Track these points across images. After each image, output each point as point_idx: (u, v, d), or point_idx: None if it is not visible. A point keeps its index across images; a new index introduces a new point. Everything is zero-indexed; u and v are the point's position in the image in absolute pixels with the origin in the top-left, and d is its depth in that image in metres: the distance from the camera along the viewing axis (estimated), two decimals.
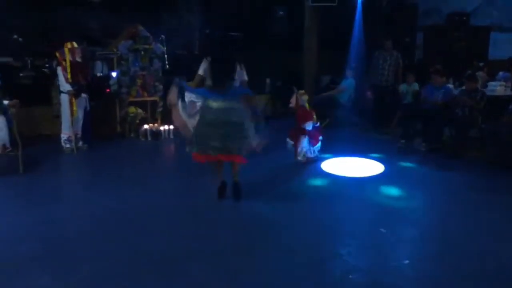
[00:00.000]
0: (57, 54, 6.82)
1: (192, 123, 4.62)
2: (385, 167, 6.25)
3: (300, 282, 3.20)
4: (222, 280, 3.24)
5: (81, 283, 3.17)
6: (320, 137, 6.54)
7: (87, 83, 7.06)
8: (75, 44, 6.81)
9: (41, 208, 4.62)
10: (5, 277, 3.25)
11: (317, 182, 5.65)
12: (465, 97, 6.81)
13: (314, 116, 6.47)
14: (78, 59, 6.83)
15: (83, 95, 6.98)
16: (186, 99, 4.58)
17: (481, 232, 4.13)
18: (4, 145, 6.04)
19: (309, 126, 6.36)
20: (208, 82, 4.63)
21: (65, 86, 6.77)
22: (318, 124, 6.58)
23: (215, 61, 4.63)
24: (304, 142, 6.38)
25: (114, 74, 8.25)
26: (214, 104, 4.54)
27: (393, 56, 8.76)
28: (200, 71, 4.65)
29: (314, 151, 6.50)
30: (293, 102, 6.43)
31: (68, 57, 6.69)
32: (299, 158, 6.38)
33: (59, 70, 6.80)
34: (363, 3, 10.47)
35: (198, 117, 4.59)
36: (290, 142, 6.41)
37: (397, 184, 5.54)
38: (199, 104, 4.60)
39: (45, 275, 3.27)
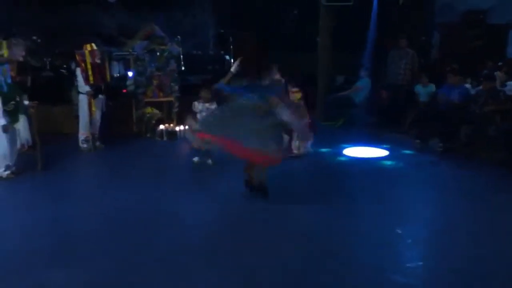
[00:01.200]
0: (77, 56, 6.91)
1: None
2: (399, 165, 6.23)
3: (312, 277, 3.22)
4: (235, 277, 3.28)
5: (96, 277, 3.25)
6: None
7: (105, 85, 7.16)
8: (94, 46, 6.91)
9: (58, 205, 4.72)
10: (23, 269, 3.36)
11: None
12: (489, 99, 6.70)
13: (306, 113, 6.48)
14: (97, 61, 6.93)
15: (101, 96, 7.08)
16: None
17: (495, 233, 4.09)
18: (26, 144, 6.20)
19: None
20: None
21: (83, 87, 6.88)
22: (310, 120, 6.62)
23: None
24: (295, 137, 6.48)
25: (130, 74, 8.34)
26: None
27: (408, 54, 8.69)
28: None
29: (306, 146, 6.68)
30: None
31: (88, 59, 6.78)
32: (295, 151, 6.55)
33: (78, 71, 6.90)
34: (379, 2, 10.42)
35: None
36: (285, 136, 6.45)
37: (412, 184, 5.54)
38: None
39: (62, 269, 3.36)
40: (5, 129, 5.49)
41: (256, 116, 4.57)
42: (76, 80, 6.99)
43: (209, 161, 6.19)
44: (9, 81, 5.75)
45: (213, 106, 6.03)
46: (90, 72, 6.79)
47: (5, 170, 5.63)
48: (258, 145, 4.48)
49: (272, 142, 4.54)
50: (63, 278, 3.24)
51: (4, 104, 5.48)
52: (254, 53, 9.89)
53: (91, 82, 6.82)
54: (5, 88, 5.54)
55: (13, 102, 5.60)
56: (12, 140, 5.66)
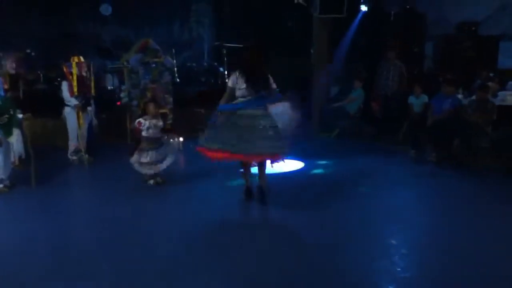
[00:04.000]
0: (64, 68, 6.91)
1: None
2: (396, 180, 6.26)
3: None
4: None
5: None
6: None
7: (92, 97, 7.14)
8: (82, 59, 6.91)
9: (53, 220, 4.69)
10: (21, 285, 3.32)
11: None
12: (476, 112, 6.77)
13: None
14: (84, 73, 6.94)
15: (89, 108, 7.07)
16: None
17: (493, 242, 4.07)
18: (20, 157, 6.19)
19: None
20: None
21: (69, 99, 6.85)
22: None
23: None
24: None
25: (123, 87, 8.38)
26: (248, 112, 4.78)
27: (396, 66, 8.78)
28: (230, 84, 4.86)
29: None
30: None
31: (75, 71, 6.77)
32: None
33: (64, 84, 6.88)
34: (371, 14, 10.53)
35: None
36: None
37: (407, 194, 5.55)
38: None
39: (59, 284, 3.32)
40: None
41: (255, 119, 4.73)
42: (61, 92, 6.94)
43: (159, 179, 5.82)
44: (2, 94, 5.77)
45: (160, 122, 5.76)
46: (75, 84, 6.76)
47: None
48: (260, 147, 4.66)
49: (273, 141, 4.71)
50: None
51: None
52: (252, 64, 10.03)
53: (76, 94, 6.80)
54: None
55: (6, 116, 5.60)
56: (5, 154, 5.63)
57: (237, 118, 4.75)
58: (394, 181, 6.14)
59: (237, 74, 4.84)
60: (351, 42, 10.53)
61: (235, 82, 4.82)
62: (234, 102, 4.87)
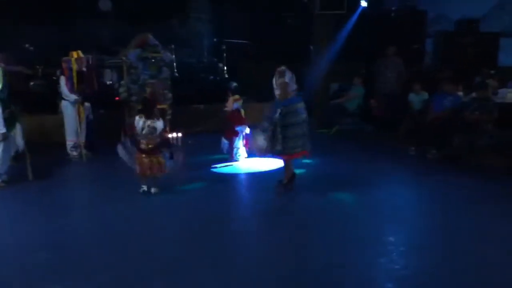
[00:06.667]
0: (62, 63, 6.88)
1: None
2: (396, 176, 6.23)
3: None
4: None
5: None
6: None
7: (91, 92, 7.11)
8: (80, 54, 6.88)
9: (53, 217, 4.66)
10: (21, 285, 3.29)
11: None
12: (476, 112, 6.74)
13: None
14: (84, 68, 6.91)
15: (86, 104, 7.04)
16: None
17: (492, 241, 4.06)
18: (17, 151, 6.17)
19: (244, 128, 6.76)
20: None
21: (67, 94, 6.81)
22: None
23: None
24: (237, 142, 6.77)
25: (122, 82, 8.33)
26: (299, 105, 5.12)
27: (395, 63, 8.74)
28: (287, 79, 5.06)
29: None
30: (229, 106, 6.84)
31: (75, 67, 6.74)
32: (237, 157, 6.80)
33: (62, 78, 6.85)
34: (372, 10, 10.47)
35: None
36: (225, 142, 6.82)
37: (406, 192, 5.53)
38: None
39: (60, 284, 3.28)
40: (4, 137, 5.47)
41: (305, 112, 5.15)
42: (59, 87, 6.93)
43: (153, 190, 5.36)
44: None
45: (158, 123, 5.30)
46: (75, 80, 6.75)
47: None
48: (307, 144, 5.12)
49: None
50: None
51: (2, 111, 5.46)
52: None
53: (76, 90, 6.78)
54: (3, 95, 5.55)
55: (8, 110, 5.59)
56: (6, 148, 5.61)
57: (296, 115, 5.02)
58: (393, 179, 6.12)
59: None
60: (350, 38, 10.44)
61: (291, 77, 5.06)
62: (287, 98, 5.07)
